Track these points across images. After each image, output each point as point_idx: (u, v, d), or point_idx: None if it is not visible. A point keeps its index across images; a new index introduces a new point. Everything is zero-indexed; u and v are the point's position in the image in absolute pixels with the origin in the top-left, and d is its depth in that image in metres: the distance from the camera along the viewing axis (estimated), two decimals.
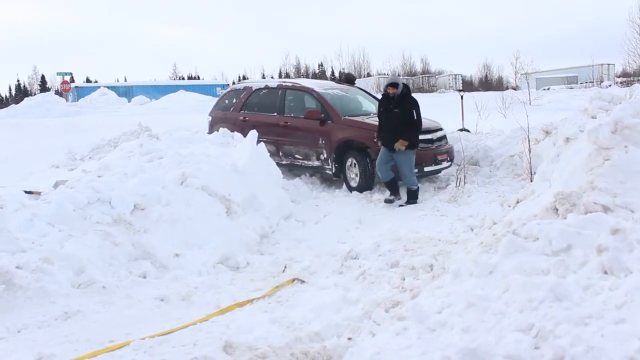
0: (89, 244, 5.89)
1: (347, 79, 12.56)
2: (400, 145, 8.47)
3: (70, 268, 5.45)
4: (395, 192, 8.82)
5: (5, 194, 7.04)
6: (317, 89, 10.59)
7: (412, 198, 8.79)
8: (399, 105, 8.57)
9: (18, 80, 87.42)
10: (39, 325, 4.59)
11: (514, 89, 36.63)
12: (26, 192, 7.71)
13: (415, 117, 8.58)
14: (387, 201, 8.73)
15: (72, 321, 4.71)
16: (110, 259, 5.90)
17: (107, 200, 6.54)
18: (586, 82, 45.99)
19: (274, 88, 11.19)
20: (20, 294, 4.90)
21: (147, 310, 5.03)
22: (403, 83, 8.85)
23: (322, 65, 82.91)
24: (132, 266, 5.97)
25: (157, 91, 44.79)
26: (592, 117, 5.37)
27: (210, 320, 4.77)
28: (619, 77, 50.07)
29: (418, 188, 8.89)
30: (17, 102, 33.90)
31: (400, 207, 8.62)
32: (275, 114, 10.81)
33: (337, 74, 73.93)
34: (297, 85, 11.06)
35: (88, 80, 76.38)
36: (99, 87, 42.75)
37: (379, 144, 8.89)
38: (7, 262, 5.04)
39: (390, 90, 8.62)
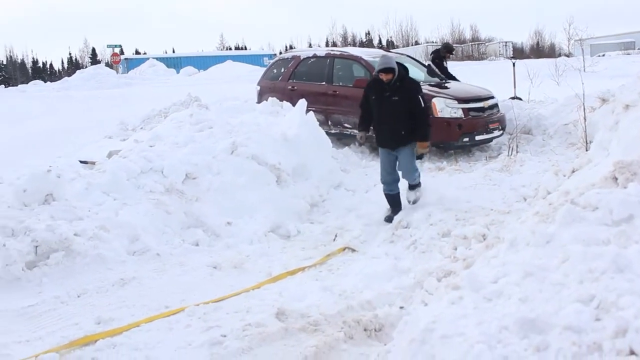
0: (143, 212, 6.01)
1: (446, 49, 12.49)
2: (423, 150, 6.70)
3: (125, 236, 5.58)
4: (398, 208, 6.85)
5: (62, 164, 7.27)
6: (365, 57, 10.47)
7: (412, 189, 6.94)
8: (398, 92, 6.50)
9: (70, 54, 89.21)
10: (98, 291, 4.73)
11: (567, 56, 35.58)
12: (81, 162, 7.92)
13: (423, 104, 6.58)
14: (388, 219, 6.75)
15: (128, 287, 4.84)
16: (163, 227, 6.02)
17: (160, 169, 6.65)
18: None
19: (322, 57, 11.10)
20: (79, 260, 5.05)
21: (201, 277, 5.13)
22: (400, 63, 6.69)
23: (369, 33, 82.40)
24: (185, 234, 6.07)
25: (205, 62, 45.08)
26: None
27: (263, 287, 4.84)
28: None
29: (420, 183, 6.99)
30: (69, 75, 34.65)
31: (443, 180, 8.02)
32: (323, 82, 10.73)
33: (384, 43, 73.24)
34: (346, 53, 10.95)
35: (137, 52, 77.33)
36: (147, 58, 43.29)
37: (359, 138, 7.07)
38: (66, 229, 5.20)
39: (384, 77, 6.46)
